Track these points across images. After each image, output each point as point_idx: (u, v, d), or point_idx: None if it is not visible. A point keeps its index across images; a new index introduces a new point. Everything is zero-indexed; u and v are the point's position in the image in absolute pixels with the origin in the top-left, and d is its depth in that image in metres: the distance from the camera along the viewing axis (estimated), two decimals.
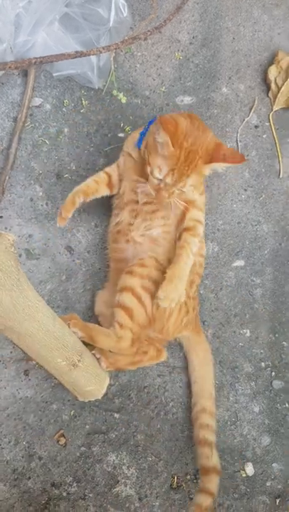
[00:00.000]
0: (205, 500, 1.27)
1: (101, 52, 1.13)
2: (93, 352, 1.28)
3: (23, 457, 1.34)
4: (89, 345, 1.26)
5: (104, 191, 1.38)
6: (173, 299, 1.20)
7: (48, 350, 1.10)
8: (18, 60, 1.48)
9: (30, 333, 1.02)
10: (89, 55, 0.92)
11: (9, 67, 0.82)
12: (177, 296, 1.20)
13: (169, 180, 1.20)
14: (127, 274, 1.26)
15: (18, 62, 0.78)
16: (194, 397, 1.41)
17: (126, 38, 1.25)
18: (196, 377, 1.42)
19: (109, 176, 1.38)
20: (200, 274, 1.38)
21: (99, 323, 1.40)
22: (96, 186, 1.35)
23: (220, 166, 1.21)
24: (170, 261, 1.28)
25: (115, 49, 1.03)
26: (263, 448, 1.48)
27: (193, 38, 1.66)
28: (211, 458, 1.32)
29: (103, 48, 1.01)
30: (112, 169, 1.39)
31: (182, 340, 1.44)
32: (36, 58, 0.79)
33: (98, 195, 1.37)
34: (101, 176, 1.37)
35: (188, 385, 1.46)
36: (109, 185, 1.38)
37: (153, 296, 1.24)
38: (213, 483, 1.30)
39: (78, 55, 0.90)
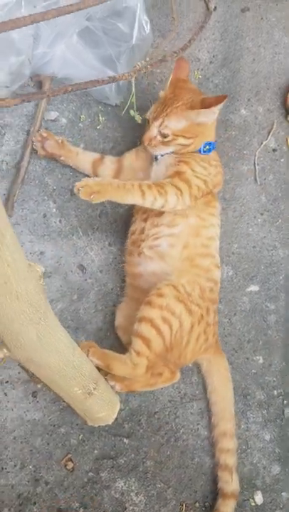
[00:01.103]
0: None
1: (132, 76, 1.11)
2: (106, 377, 1.26)
3: (28, 481, 1.31)
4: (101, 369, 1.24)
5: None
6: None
7: (66, 379, 1.07)
8: (35, 73, 1.47)
9: (50, 364, 0.99)
10: (121, 79, 0.90)
11: (47, 96, 0.80)
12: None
13: (150, 117, 1.32)
14: (147, 305, 1.24)
15: (54, 90, 0.76)
16: (214, 418, 1.40)
17: (147, 59, 1.23)
18: (217, 398, 1.41)
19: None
20: (213, 299, 1.35)
21: (118, 336, 1.42)
22: None
23: (206, 113, 1.29)
24: (185, 286, 1.27)
25: (145, 72, 1.01)
26: (272, 477, 1.47)
27: (213, 57, 1.64)
28: (231, 483, 1.35)
29: (134, 72, 0.99)
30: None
31: (201, 362, 1.42)
32: (72, 85, 0.77)
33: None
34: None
35: (200, 412, 1.44)
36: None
37: (172, 327, 1.23)
38: (229, 507, 1.35)
39: (111, 80, 0.89)
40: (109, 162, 1.44)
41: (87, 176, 1.45)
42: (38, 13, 0.72)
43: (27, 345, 0.90)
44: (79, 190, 1.16)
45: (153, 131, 1.31)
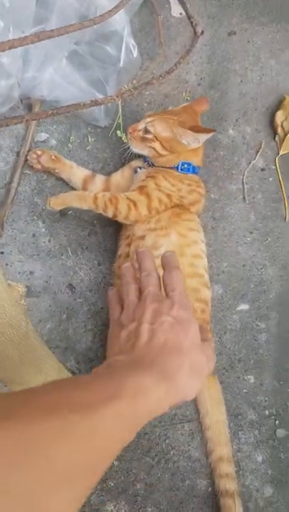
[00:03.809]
0: None
1: (114, 99, 1.12)
2: None
3: None
4: None
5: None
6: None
7: None
8: (25, 95, 1.49)
9: (34, 385, 0.98)
10: (103, 103, 0.92)
11: (26, 120, 0.81)
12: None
13: (147, 114, 1.41)
14: None
15: (33, 114, 0.77)
16: (210, 443, 1.37)
17: (134, 82, 1.26)
18: (211, 422, 1.37)
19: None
20: (205, 320, 1.33)
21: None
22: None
23: (191, 135, 1.34)
24: None
25: (129, 96, 1.02)
26: (265, 499, 1.43)
27: (201, 79, 1.67)
28: (234, 509, 1.29)
29: (116, 96, 1.00)
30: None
31: None
32: (53, 110, 0.78)
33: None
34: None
35: (191, 433, 1.42)
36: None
37: None
38: None
39: (93, 104, 0.90)
40: (99, 181, 1.47)
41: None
42: (23, 36, 0.73)
43: (8, 366, 0.89)
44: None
45: (141, 124, 1.38)
